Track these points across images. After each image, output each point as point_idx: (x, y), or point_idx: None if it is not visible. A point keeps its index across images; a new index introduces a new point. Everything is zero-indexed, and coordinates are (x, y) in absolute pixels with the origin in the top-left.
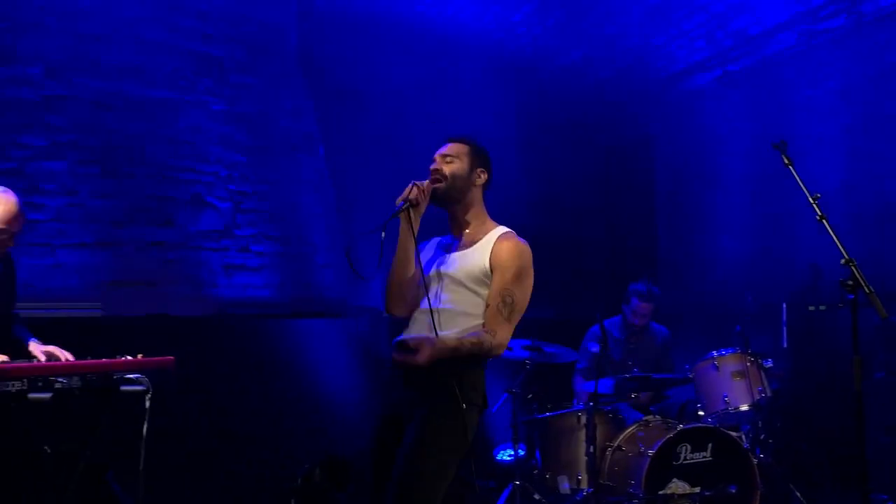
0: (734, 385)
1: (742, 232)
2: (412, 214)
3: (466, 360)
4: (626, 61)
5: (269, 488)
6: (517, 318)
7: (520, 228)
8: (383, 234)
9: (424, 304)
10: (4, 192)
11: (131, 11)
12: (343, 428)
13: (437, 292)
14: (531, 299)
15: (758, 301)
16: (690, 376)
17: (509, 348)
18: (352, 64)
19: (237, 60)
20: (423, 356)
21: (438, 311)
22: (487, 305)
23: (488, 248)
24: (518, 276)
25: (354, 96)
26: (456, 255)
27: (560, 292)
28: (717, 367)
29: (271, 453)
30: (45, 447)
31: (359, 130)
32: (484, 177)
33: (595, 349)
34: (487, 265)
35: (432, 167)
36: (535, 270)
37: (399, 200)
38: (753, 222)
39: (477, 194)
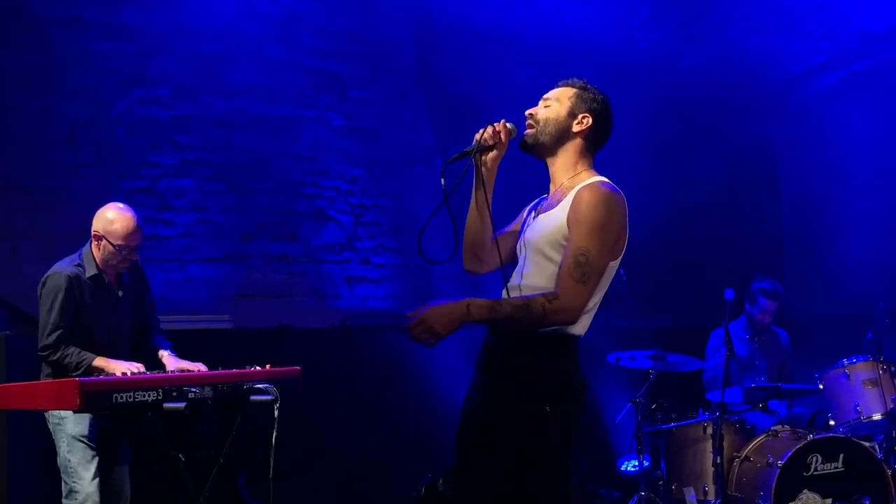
0: (866, 394)
1: (871, 236)
2: (486, 160)
3: (536, 344)
4: (747, 64)
5: (392, 497)
6: (594, 279)
7: (641, 235)
8: (443, 182)
9: (512, 279)
10: (123, 209)
11: (254, 31)
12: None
13: (521, 266)
14: (653, 307)
15: (890, 307)
16: (820, 386)
17: (631, 357)
18: (469, 76)
19: (356, 76)
20: (420, 328)
21: (519, 288)
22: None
23: (569, 203)
24: (596, 230)
25: (472, 108)
26: (541, 218)
27: (681, 300)
28: (847, 376)
29: (394, 462)
30: (180, 454)
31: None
32: (587, 122)
33: (722, 352)
34: (565, 223)
35: (528, 111)
36: (656, 277)
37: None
38: (883, 226)
39: (577, 143)
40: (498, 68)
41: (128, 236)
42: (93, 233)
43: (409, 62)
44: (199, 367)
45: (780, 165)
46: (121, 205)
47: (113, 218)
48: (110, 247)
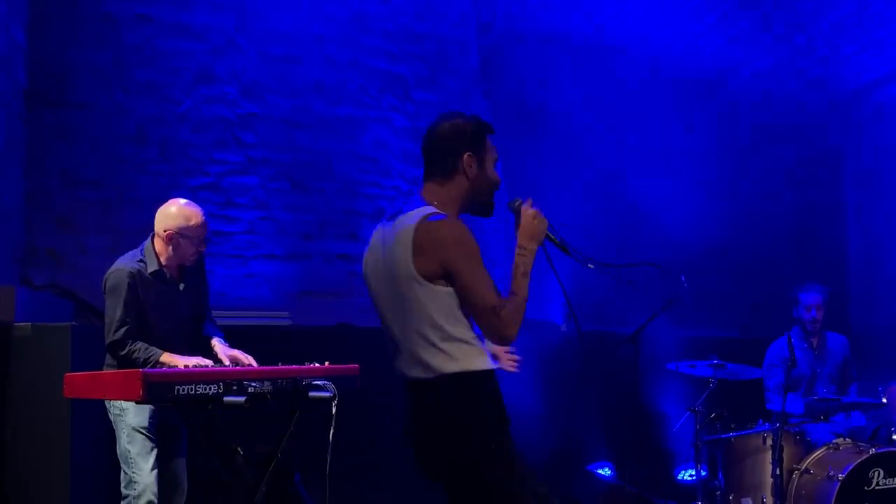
0: None
1: None
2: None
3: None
4: (815, 72)
5: (446, 498)
6: None
7: (706, 245)
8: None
9: None
10: (190, 204)
11: (320, 31)
12: (521, 443)
13: None
14: (716, 317)
15: None
16: (884, 400)
17: (691, 366)
18: (532, 80)
19: (419, 77)
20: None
21: None
22: None
23: None
24: None
25: (534, 112)
26: None
27: (745, 311)
28: None
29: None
30: (238, 449)
31: (538, 147)
32: None
33: (785, 362)
34: None
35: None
36: (720, 287)
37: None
38: None
39: None
40: (561, 73)
41: (201, 228)
42: (163, 232)
43: (473, 64)
44: (249, 360)
45: (845, 174)
46: (183, 200)
47: (188, 214)
48: (187, 241)
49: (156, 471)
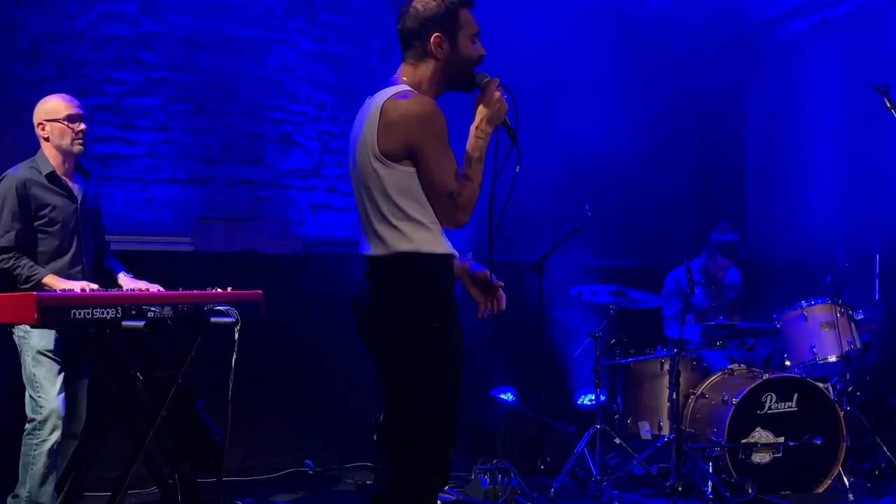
0: (823, 335)
1: (835, 183)
2: None
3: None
4: (720, 5)
5: (350, 424)
6: None
7: (608, 174)
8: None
9: None
10: (52, 95)
11: None
12: None
13: None
14: (620, 246)
15: (850, 253)
16: (777, 326)
17: (593, 293)
18: None
19: None
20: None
21: None
22: None
23: None
24: None
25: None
26: None
27: (646, 240)
28: (805, 318)
29: (351, 389)
30: (137, 373)
31: None
32: None
33: (682, 290)
34: None
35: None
36: (623, 217)
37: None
38: (847, 173)
39: None
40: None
41: (67, 105)
42: (36, 127)
43: None
44: (156, 288)
45: (748, 109)
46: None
47: (45, 100)
48: (59, 125)
49: (63, 394)
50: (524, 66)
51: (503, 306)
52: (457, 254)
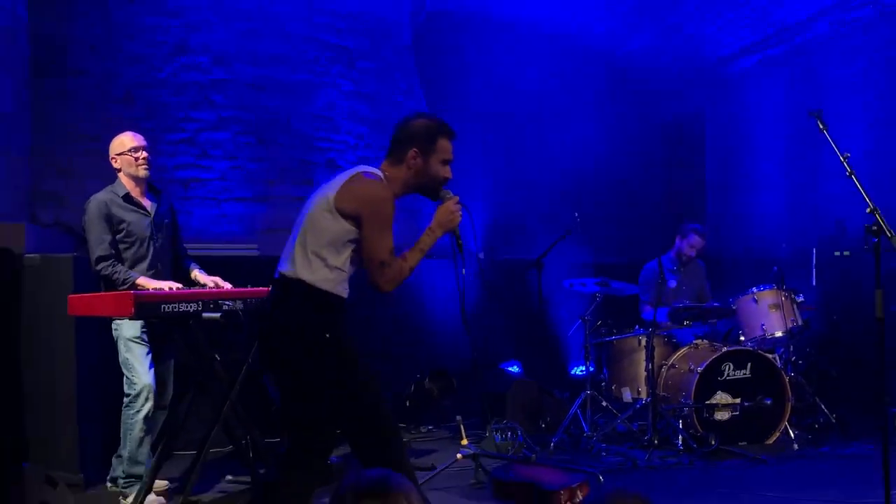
0: (770, 315)
1: (779, 191)
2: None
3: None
4: (683, 47)
5: (391, 393)
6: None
7: (592, 186)
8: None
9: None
10: (123, 133)
11: (278, 10)
12: (450, 349)
13: None
14: (602, 245)
15: (791, 247)
16: (734, 308)
17: (583, 284)
18: (456, 52)
19: (362, 49)
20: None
21: None
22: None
23: None
24: None
25: (457, 77)
26: None
27: (624, 240)
28: (756, 301)
29: (394, 366)
30: (216, 356)
31: (462, 106)
32: None
33: (656, 279)
34: None
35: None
36: (604, 222)
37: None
38: (788, 182)
39: None
40: (477, 45)
41: (130, 139)
42: (111, 161)
43: (406, 39)
44: (227, 285)
45: (706, 130)
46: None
47: (115, 139)
48: (126, 157)
49: (151, 371)
50: (522, 97)
51: None
52: (345, 298)
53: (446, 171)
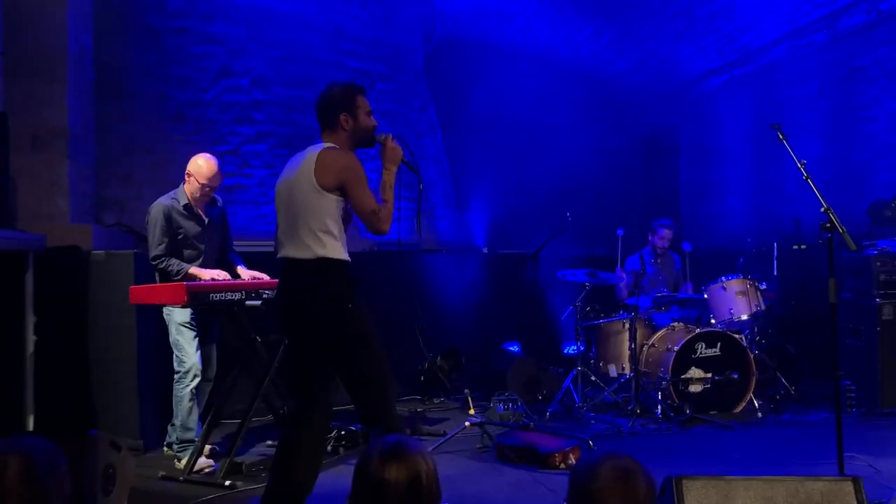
0: (738, 301)
1: (744, 193)
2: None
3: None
4: (660, 69)
5: (407, 369)
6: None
7: (581, 189)
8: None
9: None
10: (210, 157)
11: (309, 37)
12: (458, 330)
13: None
14: (590, 240)
15: (755, 242)
16: (705, 296)
17: (573, 274)
18: (461, 72)
19: (380, 73)
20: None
21: None
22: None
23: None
24: None
25: (463, 95)
26: None
27: (610, 236)
28: (724, 288)
29: (409, 346)
30: (257, 337)
31: (468, 121)
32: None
33: (635, 270)
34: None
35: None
36: (593, 220)
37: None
38: (753, 186)
39: None
40: (482, 67)
41: (209, 177)
42: (186, 175)
43: (419, 64)
44: (266, 277)
45: (681, 141)
46: (208, 155)
47: (201, 163)
48: (196, 183)
49: (199, 352)
50: (520, 112)
51: None
52: (349, 260)
53: (372, 121)
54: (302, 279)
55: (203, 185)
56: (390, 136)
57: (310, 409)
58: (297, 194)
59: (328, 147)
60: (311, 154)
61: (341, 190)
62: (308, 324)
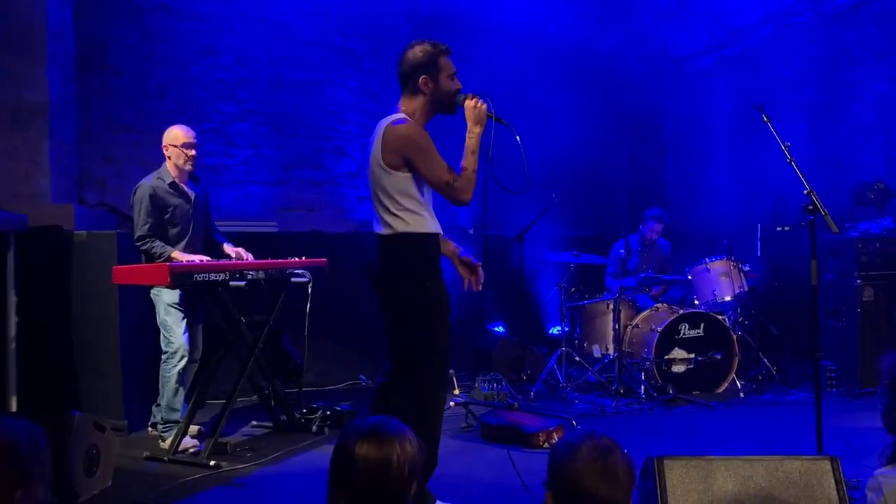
0: (720, 282)
1: (729, 174)
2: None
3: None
4: (647, 48)
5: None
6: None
7: (568, 170)
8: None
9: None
10: (178, 125)
11: (294, 17)
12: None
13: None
14: (576, 222)
15: (739, 223)
16: (689, 277)
17: (558, 256)
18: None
19: (367, 51)
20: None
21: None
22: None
23: None
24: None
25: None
26: None
27: (594, 217)
28: (708, 270)
29: None
30: (241, 318)
31: None
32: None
33: (621, 256)
34: None
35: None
36: (578, 202)
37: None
38: (737, 167)
39: None
40: (467, 44)
41: (186, 135)
42: (162, 148)
43: (403, 40)
44: (249, 256)
45: (667, 121)
46: (175, 125)
47: (173, 129)
48: (176, 149)
49: (187, 333)
50: (501, 92)
51: (481, 282)
52: (441, 232)
53: (456, 83)
54: (383, 255)
55: (184, 147)
56: (470, 94)
57: (399, 376)
58: (372, 173)
59: (393, 122)
60: (380, 130)
61: (408, 166)
62: (385, 300)
